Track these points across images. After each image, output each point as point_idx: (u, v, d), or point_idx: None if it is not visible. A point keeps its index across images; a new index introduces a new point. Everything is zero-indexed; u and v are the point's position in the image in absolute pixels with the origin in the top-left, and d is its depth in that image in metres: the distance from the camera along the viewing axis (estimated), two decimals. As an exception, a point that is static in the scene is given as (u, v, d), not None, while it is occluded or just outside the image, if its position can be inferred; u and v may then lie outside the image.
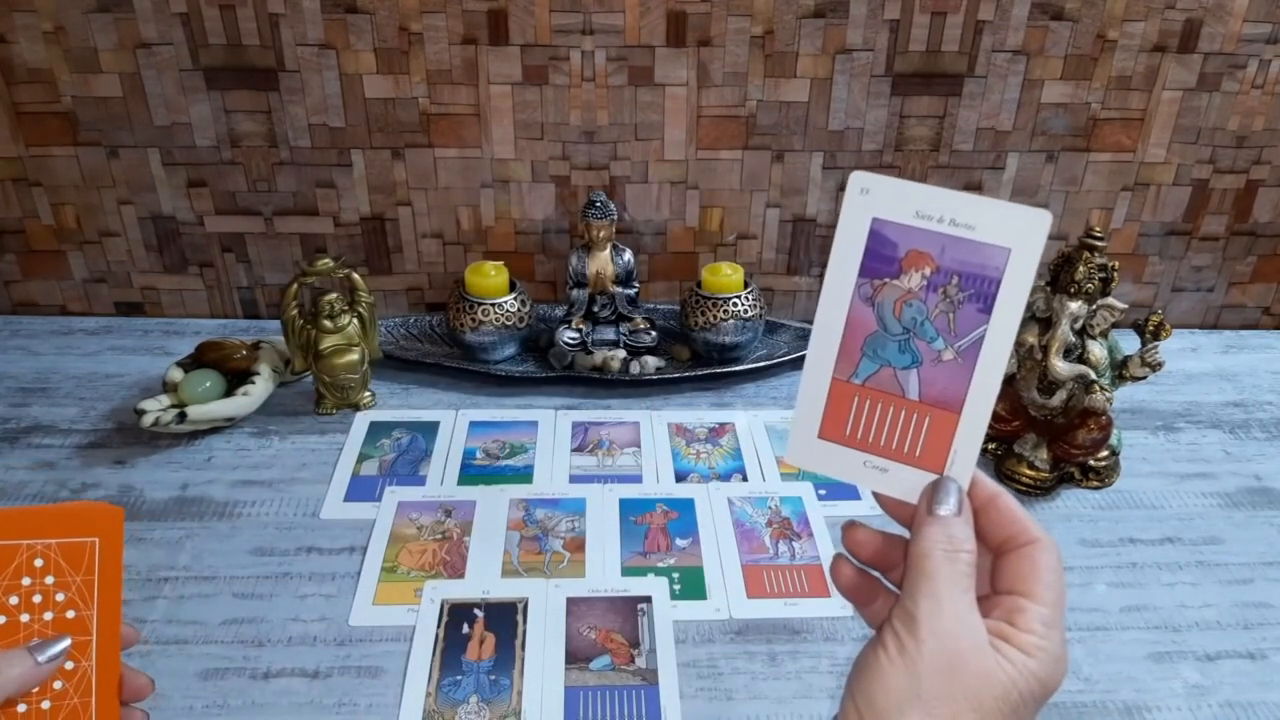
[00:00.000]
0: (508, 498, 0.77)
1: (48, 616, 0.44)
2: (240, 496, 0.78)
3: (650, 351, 0.95)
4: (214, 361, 0.86)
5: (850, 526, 0.43)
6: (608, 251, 0.94)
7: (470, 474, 0.81)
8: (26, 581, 0.45)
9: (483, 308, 0.90)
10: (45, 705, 0.44)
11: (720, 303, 0.91)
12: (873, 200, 0.39)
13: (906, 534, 0.41)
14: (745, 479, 0.81)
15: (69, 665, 0.44)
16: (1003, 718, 0.35)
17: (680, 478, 0.81)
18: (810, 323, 1.07)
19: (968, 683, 0.35)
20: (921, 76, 0.93)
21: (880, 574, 0.44)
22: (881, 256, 0.39)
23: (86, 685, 0.44)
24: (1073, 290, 0.75)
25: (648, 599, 0.68)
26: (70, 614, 0.45)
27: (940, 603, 0.37)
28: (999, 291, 0.38)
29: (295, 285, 0.84)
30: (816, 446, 0.42)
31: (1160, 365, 0.77)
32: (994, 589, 0.40)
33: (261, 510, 0.76)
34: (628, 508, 0.77)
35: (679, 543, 0.73)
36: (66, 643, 0.44)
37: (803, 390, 0.42)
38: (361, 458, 0.82)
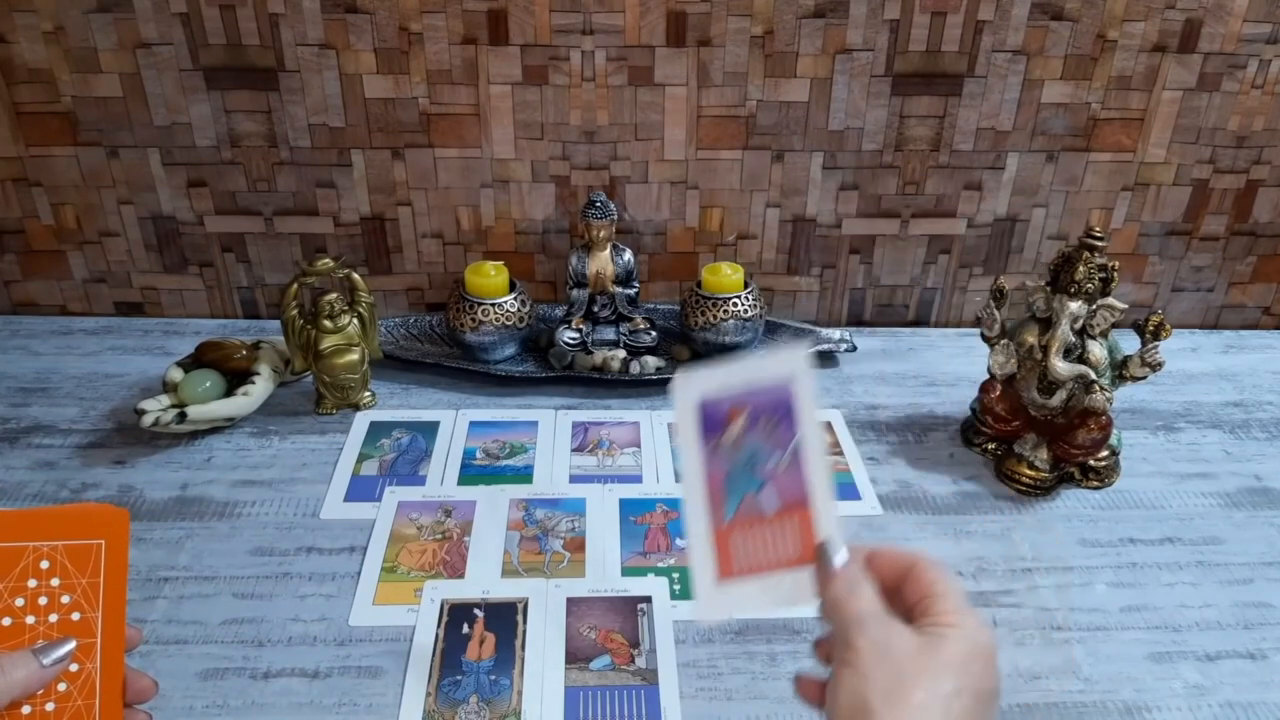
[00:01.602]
0: (508, 498, 0.77)
1: (53, 619, 0.44)
2: (240, 496, 0.78)
3: (650, 351, 0.95)
4: (214, 361, 0.86)
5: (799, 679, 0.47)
6: (608, 251, 0.95)
7: (470, 474, 0.81)
8: (32, 584, 0.45)
9: (483, 308, 0.90)
10: (50, 707, 0.44)
11: (720, 303, 0.91)
12: (691, 392, 0.50)
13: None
14: (745, 479, 0.81)
15: (73, 667, 0.44)
16: (956, 675, 0.40)
17: (680, 478, 0.81)
18: (811, 323, 1.08)
19: (917, 664, 0.40)
20: (921, 76, 0.93)
21: None
22: (713, 421, 0.49)
23: (90, 687, 0.44)
24: (1073, 290, 0.75)
25: (648, 599, 0.68)
26: (75, 616, 0.45)
27: (864, 623, 0.41)
28: (796, 407, 0.48)
29: (295, 285, 0.84)
30: (720, 592, 0.48)
31: (1160, 365, 0.77)
32: (905, 606, 0.44)
33: (261, 510, 0.76)
34: (628, 508, 0.77)
35: (679, 543, 0.73)
36: (71, 645, 0.44)
37: (692, 550, 0.49)
38: (361, 458, 0.82)
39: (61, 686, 0.44)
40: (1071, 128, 0.96)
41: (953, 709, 0.39)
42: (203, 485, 0.79)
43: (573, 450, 0.84)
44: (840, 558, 0.45)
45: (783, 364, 0.50)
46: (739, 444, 0.49)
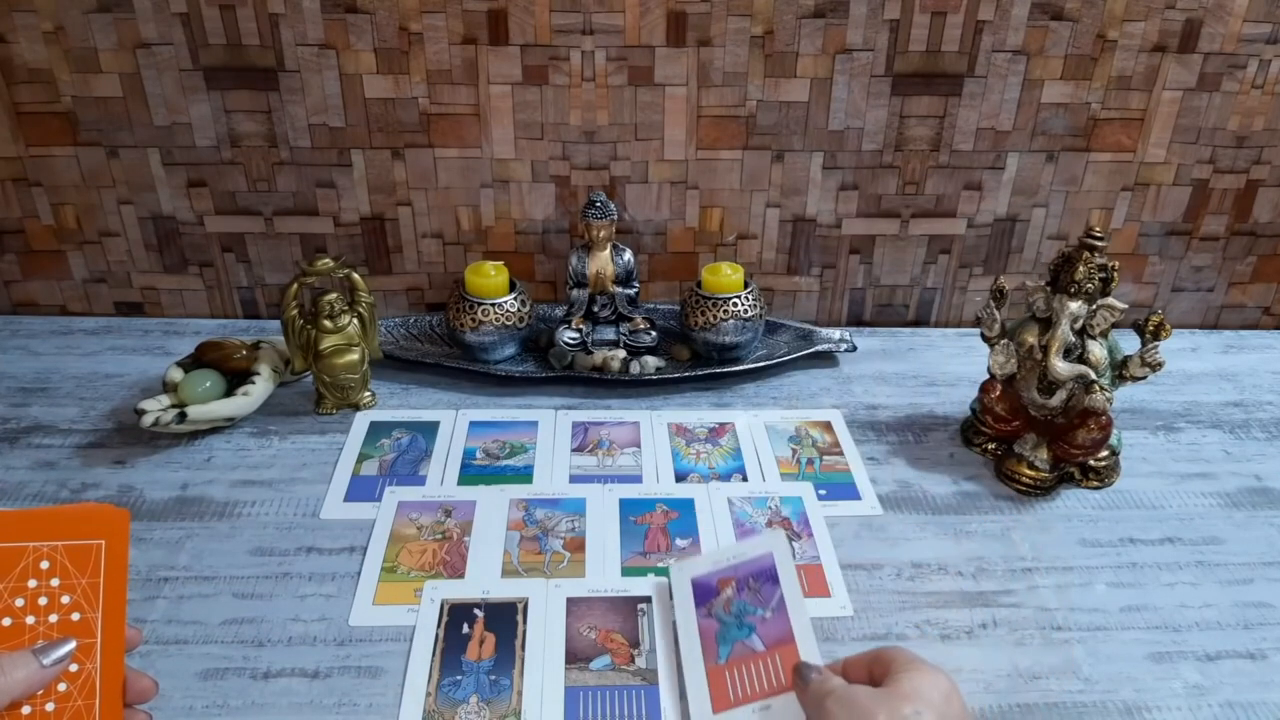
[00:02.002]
0: (508, 498, 0.77)
1: (53, 619, 0.45)
2: (240, 496, 0.78)
3: (650, 351, 0.95)
4: (214, 361, 0.86)
5: None
6: (608, 251, 0.95)
7: (470, 474, 0.81)
8: (32, 584, 0.45)
9: (483, 308, 0.90)
10: (50, 707, 0.44)
11: (720, 303, 0.91)
12: (684, 574, 0.65)
13: None
14: (745, 479, 0.81)
15: (73, 667, 0.44)
16: (913, 701, 0.47)
17: (680, 478, 0.81)
18: (811, 323, 1.07)
19: (876, 699, 0.47)
20: (921, 76, 0.93)
21: None
22: (705, 591, 0.63)
23: (90, 687, 0.44)
24: (1073, 290, 0.75)
25: (648, 599, 0.68)
26: (75, 616, 0.45)
27: (833, 692, 0.49)
28: (777, 571, 0.62)
29: (295, 285, 0.84)
30: None
31: (1160, 365, 0.77)
32: (877, 684, 0.50)
33: (261, 510, 0.76)
34: (628, 508, 0.77)
35: (679, 543, 0.73)
36: (71, 645, 0.44)
37: (689, 688, 0.59)
38: (361, 458, 0.82)
39: (61, 687, 0.44)
40: (1071, 128, 0.96)
41: None
42: (203, 485, 0.79)
43: (573, 450, 0.84)
44: (808, 675, 0.52)
45: (762, 544, 0.63)
46: (729, 605, 0.61)
